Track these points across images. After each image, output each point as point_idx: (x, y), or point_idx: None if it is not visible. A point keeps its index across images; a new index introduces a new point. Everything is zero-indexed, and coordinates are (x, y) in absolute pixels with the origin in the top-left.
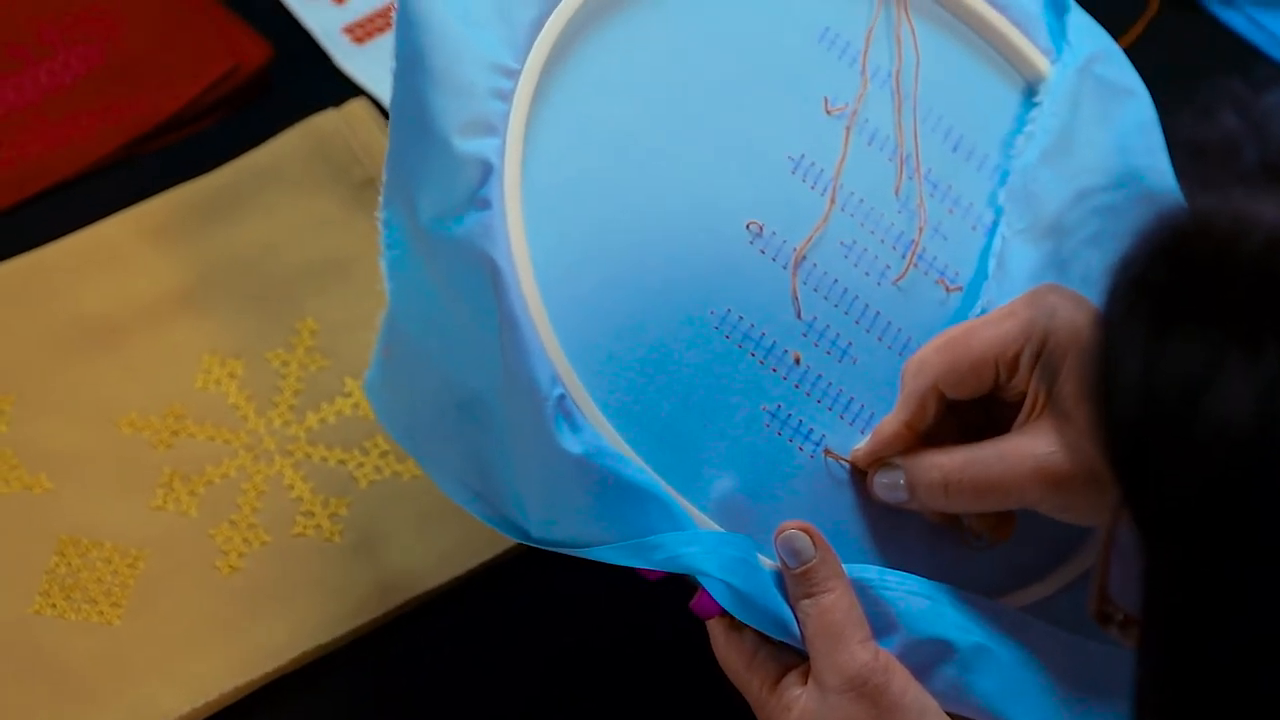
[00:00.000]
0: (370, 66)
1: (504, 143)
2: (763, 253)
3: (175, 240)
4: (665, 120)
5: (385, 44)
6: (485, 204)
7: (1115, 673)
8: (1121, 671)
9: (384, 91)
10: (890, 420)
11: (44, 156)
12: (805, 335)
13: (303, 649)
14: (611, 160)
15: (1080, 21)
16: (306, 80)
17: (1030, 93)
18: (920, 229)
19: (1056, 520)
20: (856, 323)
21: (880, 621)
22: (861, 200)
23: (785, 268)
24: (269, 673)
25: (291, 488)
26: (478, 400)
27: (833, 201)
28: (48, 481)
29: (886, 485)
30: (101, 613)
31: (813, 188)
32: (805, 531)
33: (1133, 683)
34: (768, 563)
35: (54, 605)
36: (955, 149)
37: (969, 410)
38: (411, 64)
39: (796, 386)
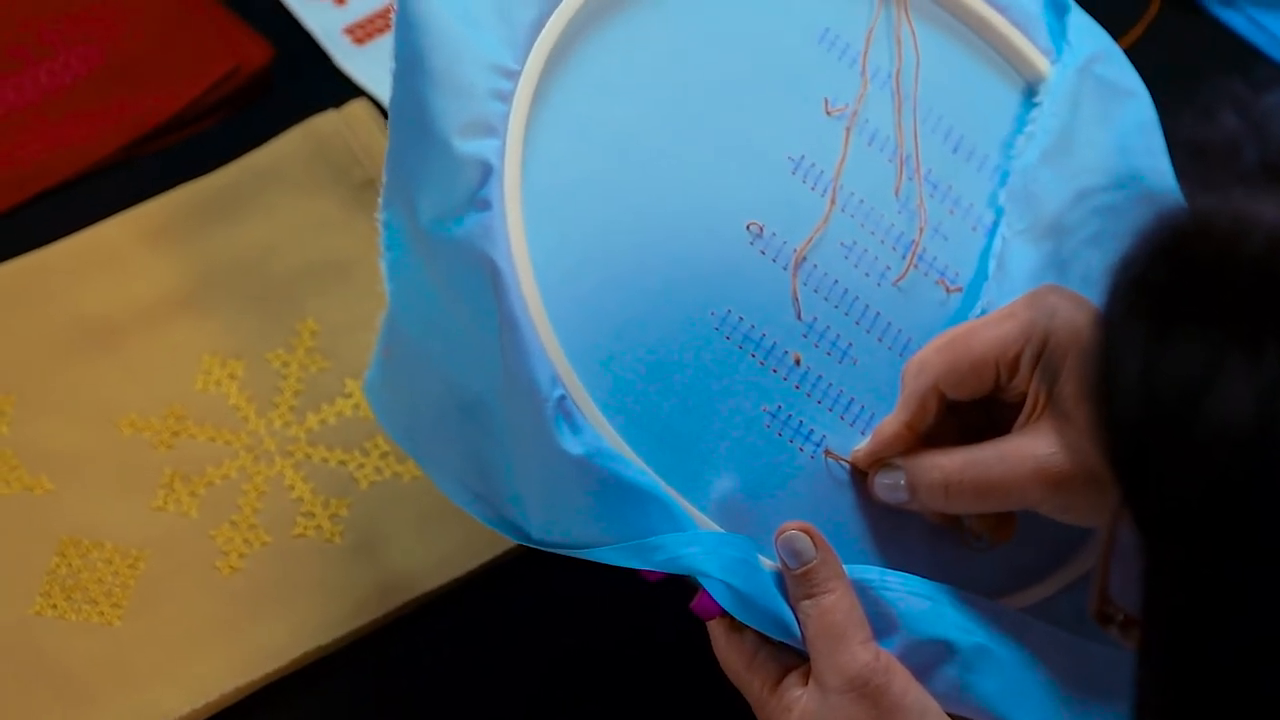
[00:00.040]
0: (370, 67)
1: (504, 144)
2: (763, 254)
3: (175, 241)
4: (665, 121)
5: (386, 45)
6: (485, 205)
7: (1116, 674)
8: (1122, 672)
9: (384, 92)
10: (891, 421)
11: (44, 157)
12: (805, 336)
13: (303, 650)
14: (611, 161)
15: (1080, 22)
16: (307, 81)
17: (1030, 93)
18: (920, 230)
19: (1057, 521)
20: (857, 323)
21: (881, 622)
22: (862, 201)
23: (785, 268)
24: (269, 673)
25: (292, 488)
26: (478, 401)
27: (833, 202)
28: (48, 482)
29: (887, 486)
30: (102, 613)
31: (813, 188)
32: (806, 532)
33: (1133, 683)
34: (768, 563)
35: (55, 606)
36: (955, 150)
37: (969, 411)
38: (411, 65)
39: (797, 387)
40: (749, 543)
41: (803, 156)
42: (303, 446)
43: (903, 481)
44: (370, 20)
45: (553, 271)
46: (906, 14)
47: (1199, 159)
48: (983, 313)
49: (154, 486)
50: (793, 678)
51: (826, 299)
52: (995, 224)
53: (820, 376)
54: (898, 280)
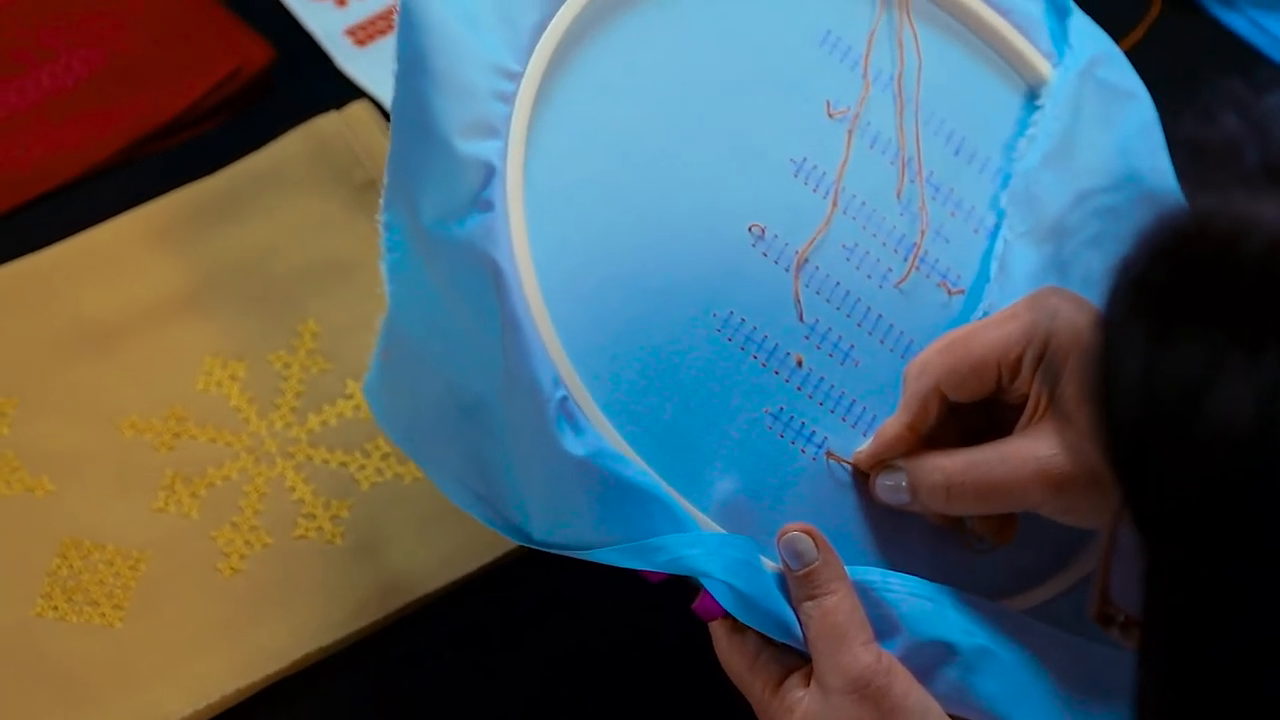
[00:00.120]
0: (371, 69)
1: (506, 145)
2: (765, 255)
3: (177, 242)
4: (667, 123)
5: (386, 46)
6: (487, 206)
7: (1117, 674)
8: (1123, 673)
9: (385, 93)
10: (892, 422)
11: (46, 159)
12: (807, 338)
13: (304, 651)
14: (613, 163)
15: (1081, 24)
16: (308, 82)
17: (1032, 96)
18: (922, 232)
19: (1058, 523)
20: (858, 325)
21: (883, 623)
22: (863, 203)
23: (787, 270)
24: (270, 675)
25: (293, 490)
26: (479, 402)
27: (834, 204)
28: (50, 484)
29: (888, 487)
30: (103, 615)
31: (814, 191)
32: (807, 533)
33: (1134, 684)
34: (770, 565)
35: (56, 607)
36: (957, 152)
37: (971, 413)
38: (413, 66)
39: (799, 389)
40: (751, 544)
41: (804, 159)
42: (304, 448)
43: (904, 483)
44: (371, 22)
45: (555, 272)
46: (908, 16)
47: (1200, 160)
48: (984, 315)
49: (155, 488)
50: (794, 679)
51: (828, 301)
52: (997, 226)
53: (822, 378)
54: (899, 282)
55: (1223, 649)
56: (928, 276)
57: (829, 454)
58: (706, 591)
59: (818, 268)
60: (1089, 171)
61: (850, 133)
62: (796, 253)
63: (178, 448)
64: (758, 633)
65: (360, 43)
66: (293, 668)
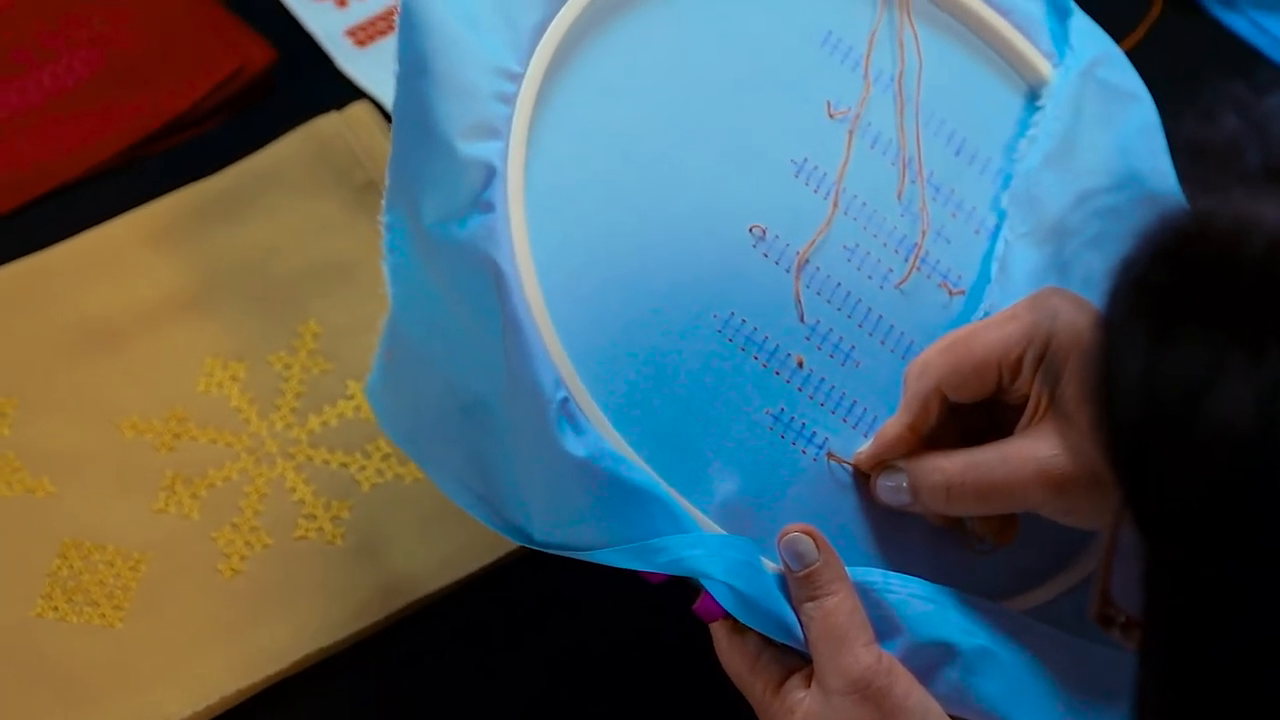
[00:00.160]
0: (372, 69)
1: (507, 146)
2: (765, 256)
3: (177, 243)
4: (668, 124)
5: (387, 47)
6: (488, 207)
7: (1118, 675)
8: (1124, 674)
9: (386, 94)
10: (893, 423)
11: (47, 159)
12: (808, 339)
13: (305, 652)
14: (614, 164)
15: (1082, 25)
16: (309, 83)
17: (1033, 96)
18: (923, 232)
19: (1059, 524)
20: (859, 326)
21: (883, 624)
22: (864, 204)
23: (788, 271)
24: (271, 675)
25: (293, 491)
26: (480, 403)
27: (835, 205)
28: (50, 484)
29: (889, 488)
30: (103, 615)
31: (815, 191)
32: (808, 534)
33: (1134, 684)
34: (771, 565)
35: (56, 608)
36: (958, 153)
37: (972, 413)
38: (414, 67)
39: (799, 390)
40: (751, 545)
41: (805, 159)
42: (304, 448)
43: (905, 484)
44: (372, 22)
45: (556, 273)
46: (909, 17)
47: (1200, 161)
48: (985, 315)
49: (155, 488)
50: (795, 680)
51: (829, 301)
52: (998, 227)
53: (823, 379)
54: (900, 283)
55: (1223, 649)
56: (928, 277)
57: (830, 455)
58: (707, 592)
59: (818, 268)
60: (1090, 172)
61: (851, 133)
62: (797, 253)
63: (178, 448)
64: (758, 634)
65: (361, 43)
66: (293, 668)
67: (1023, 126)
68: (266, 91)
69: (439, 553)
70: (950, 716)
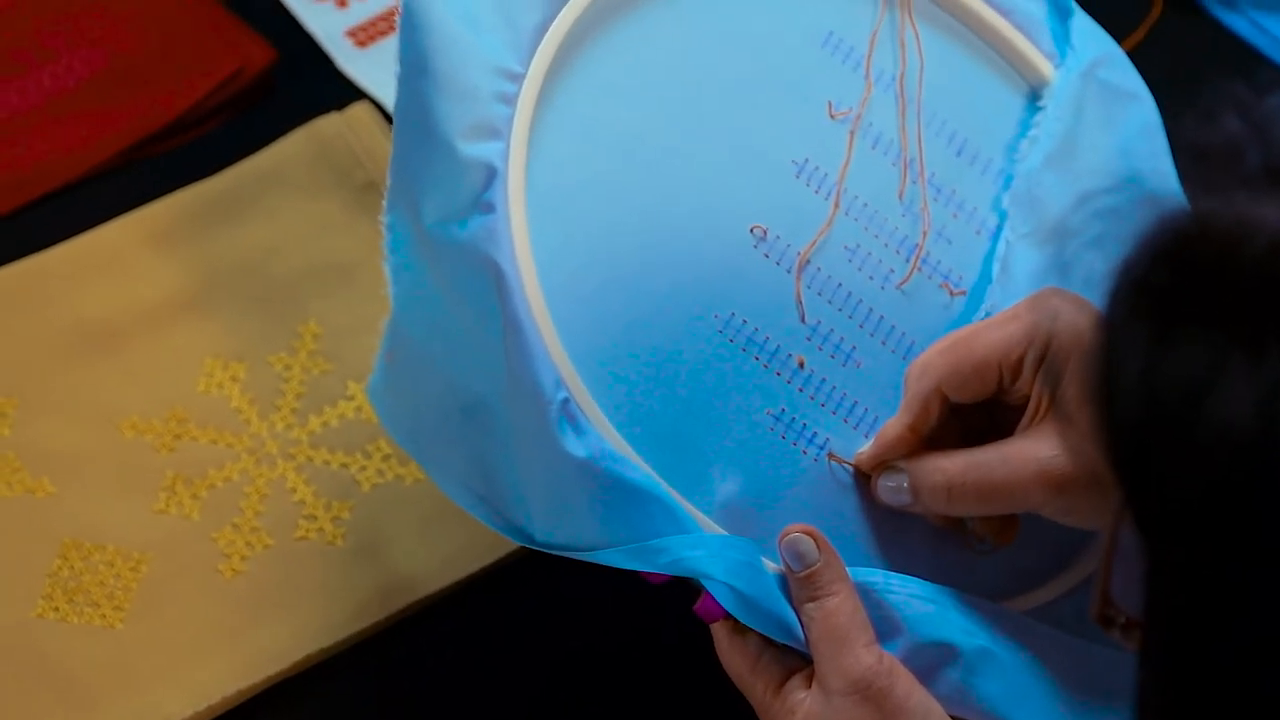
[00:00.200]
0: (372, 70)
1: (508, 146)
2: (767, 257)
3: (178, 244)
4: (669, 124)
5: (387, 47)
6: (489, 208)
7: (1118, 676)
8: (1124, 675)
9: (386, 95)
10: (893, 423)
11: (47, 160)
12: (809, 339)
13: (305, 652)
14: (615, 164)
15: (1084, 25)
16: (309, 84)
17: (1034, 97)
18: (924, 233)
19: (1059, 524)
20: (860, 326)
21: (884, 625)
22: (865, 204)
23: (789, 272)
24: (271, 676)
25: (294, 491)
26: (482, 404)
27: (836, 206)
28: (50, 485)
29: (890, 489)
30: (104, 616)
31: (816, 192)
32: (809, 535)
33: (1135, 685)
34: (772, 566)
35: (56, 609)
36: (959, 153)
37: (972, 414)
38: (416, 68)
39: (800, 390)
40: (752, 545)
41: (806, 160)
42: (305, 449)
43: (905, 484)
44: (372, 23)
45: (556, 274)
46: (910, 17)
47: (1202, 162)
48: (986, 316)
49: (156, 489)
50: (796, 680)
51: (830, 302)
52: (999, 227)
53: (823, 379)
54: (901, 283)
55: (1224, 650)
56: (929, 278)
57: (830, 455)
58: (708, 593)
59: (819, 269)
60: (1091, 173)
61: (852, 134)
62: (798, 254)
63: (178, 449)
64: (759, 634)
65: (361, 44)
66: (294, 669)
67: (1024, 127)
68: (267, 92)
69: (439, 553)
70: (951, 717)
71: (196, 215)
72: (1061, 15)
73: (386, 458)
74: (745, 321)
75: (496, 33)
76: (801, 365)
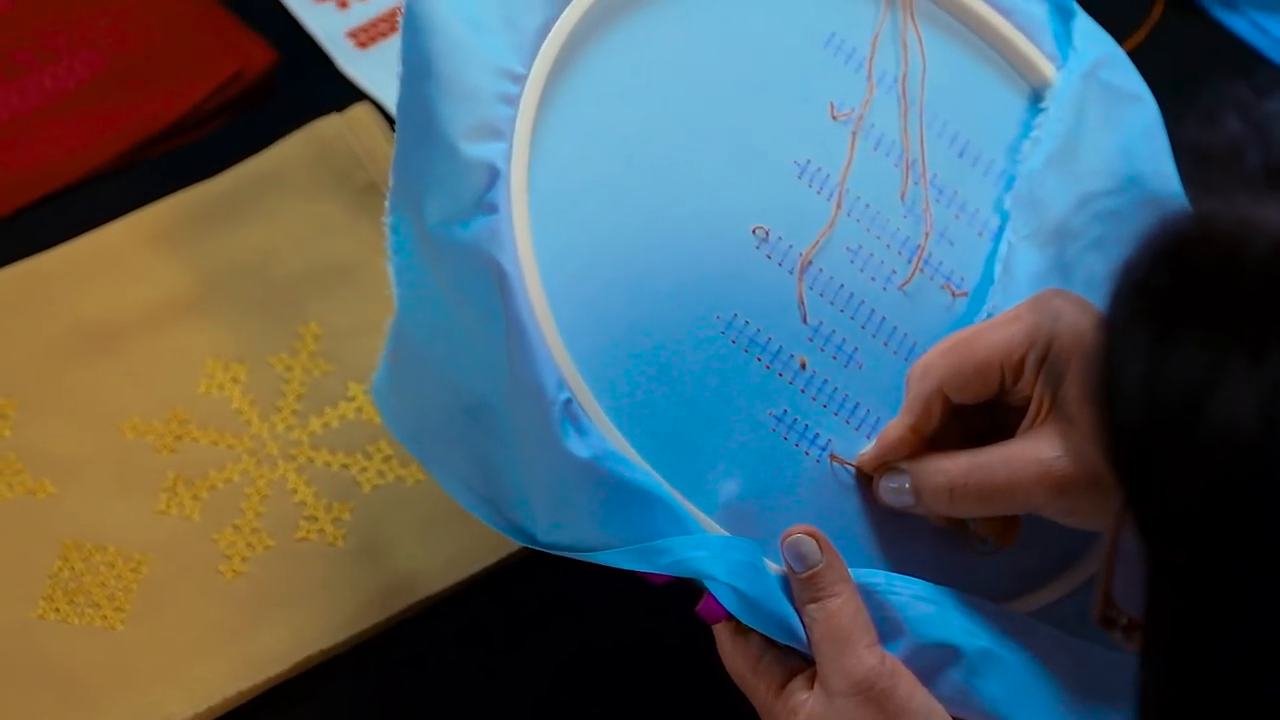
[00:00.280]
0: (373, 71)
1: (510, 147)
2: (769, 258)
3: (178, 245)
4: (671, 125)
5: (388, 48)
6: (492, 209)
7: (1120, 677)
8: (1126, 676)
9: (387, 96)
10: (895, 424)
11: (48, 161)
12: (811, 340)
13: (306, 653)
14: (618, 165)
15: (1086, 27)
16: (310, 85)
17: (1036, 98)
18: (926, 234)
19: (1061, 525)
20: (862, 328)
21: (887, 626)
22: (867, 205)
23: (791, 273)
24: (272, 677)
25: (295, 492)
26: (484, 405)
27: (839, 207)
28: (51, 486)
29: (892, 490)
30: (105, 617)
31: (819, 193)
32: (811, 536)
33: (1137, 687)
34: (774, 567)
35: (57, 610)
36: (961, 154)
37: (974, 415)
38: (418, 69)
39: (802, 391)
40: (754, 546)
41: (808, 161)
42: (305, 450)
43: (907, 485)
44: (373, 24)
45: (559, 275)
46: (912, 19)
47: (1203, 163)
48: (988, 317)
49: (157, 490)
50: (798, 681)
51: (832, 303)
52: (1001, 229)
53: (825, 380)
54: (903, 284)
55: (1225, 651)
56: (931, 279)
57: (832, 456)
58: (710, 594)
59: (821, 270)
60: (1092, 174)
61: (854, 135)
62: (800, 255)
63: (179, 450)
64: (761, 635)
65: (362, 45)
66: (294, 670)
67: (1025, 128)
68: (267, 93)
69: (441, 554)
70: (953, 718)
71: (197, 216)
72: (1063, 16)
73: (387, 459)
74: (747, 322)
75: (499, 34)
76: (803, 366)
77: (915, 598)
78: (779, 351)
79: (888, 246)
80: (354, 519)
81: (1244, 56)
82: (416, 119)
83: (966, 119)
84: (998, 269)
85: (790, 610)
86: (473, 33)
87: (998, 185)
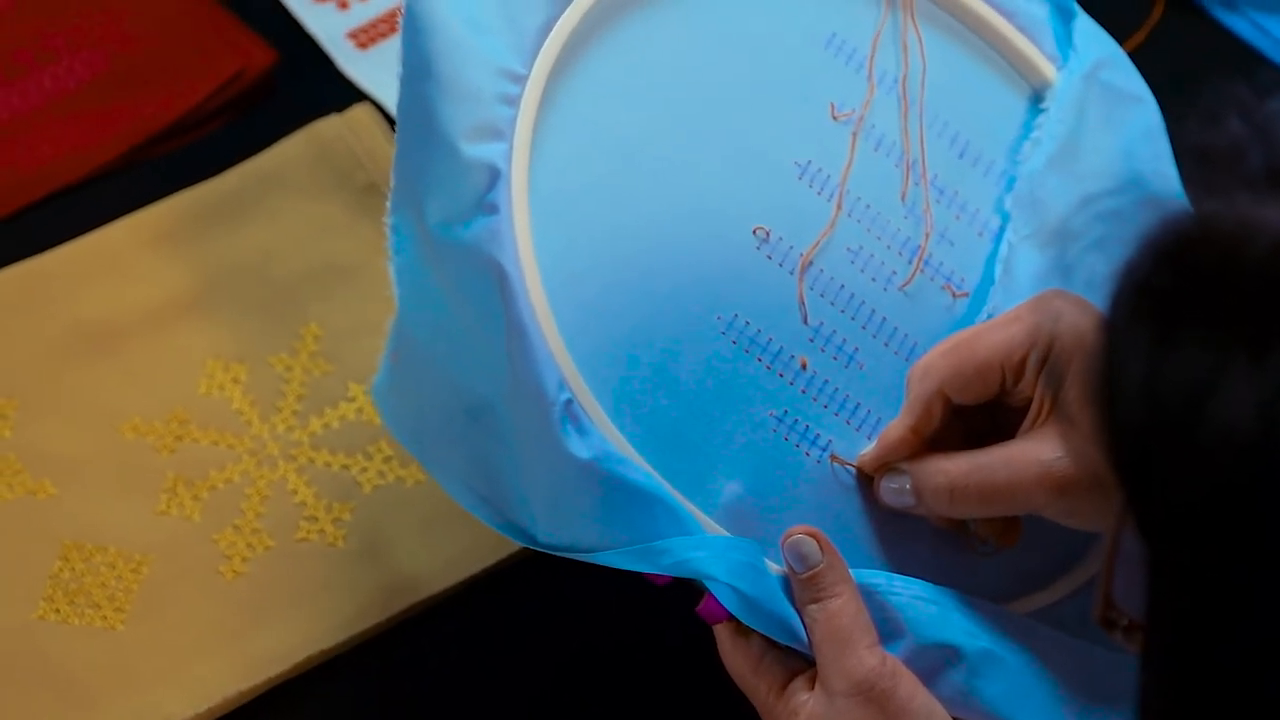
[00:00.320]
0: (374, 71)
1: (511, 148)
2: (769, 258)
3: (179, 245)
4: (672, 126)
5: (389, 49)
6: (492, 209)
7: (1121, 678)
8: (1127, 677)
9: (387, 96)
10: (896, 425)
11: (48, 162)
12: (812, 341)
13: (307, 654)
14: (618, 165)
15: (1087, 27)
16: (310, 85)
17: (1037, 99)
18: (926, 235)
19: (1062, 526)
20: (863, 328)
21: (887, 627)
22: (868, 206)
23: (792, 273)
24: (273, 678)
25: (295, 493)
26: (485, 405)
27: (839, 207)
28: (51, 487)
29: (893, 490)
30: (105, 618)
31: (819, 193)
32: (812, 536)
33: (1137, 688)
34: (775, 568)
35: (58, 610)
36: (961, 155)
37: (975, 415)
38: (418, 70)
39: (803, 392)
40: (755, 547)
41: (809, 161)
42: (306, 450)
43: (908, 486)
44: (373, 24)
45: (560, 275)
46: (913, 19)
47: (1204, 164)
48: (989, 318)
49: (157, 490)
50: (799, 682)
51: (833, 304)
52: (1001, 229)
53: (826, 381)
54: (904, 285)
55: (1226, 652)
56: (932, 279)
57: (833, 457)
58: (711, 594)
59: (822, 270)
60: (1093, 175)
61: (854, 135)
62: (801, 256)
63: (179, 450)
64: (762, 636)
65: (362, 45)
66: (295, 670)
67: (1026, 129)
68: (268, 94)
69: (441, 554)
70: (953, 719)
71: (197, 217)
72: (1064, 17)
73: (388, 459)
74: (748, 323)
75: (499, 34)
76: (804, 367)
77: (916, 598)
78: (779, 352)
79: (888, 247)
80: (354, 519)
81: (1244, 57)
82: (417, 119)
83: (967, 119)
84: (998, 270)
85: (791, 611)
86: (473, 33)
87: (998, 186)
